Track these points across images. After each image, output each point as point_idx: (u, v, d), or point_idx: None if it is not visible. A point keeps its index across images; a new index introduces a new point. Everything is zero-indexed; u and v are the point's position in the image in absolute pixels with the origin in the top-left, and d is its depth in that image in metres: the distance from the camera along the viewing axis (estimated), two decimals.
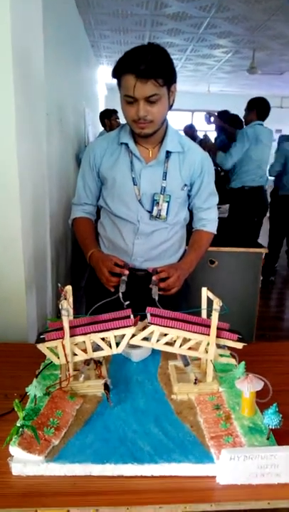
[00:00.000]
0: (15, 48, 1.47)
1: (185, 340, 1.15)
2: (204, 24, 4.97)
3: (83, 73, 5.39)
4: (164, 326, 1.12)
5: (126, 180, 1.55)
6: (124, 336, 1.13)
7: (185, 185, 1.59)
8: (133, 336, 1.15)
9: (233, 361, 1.21)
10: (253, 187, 4.04)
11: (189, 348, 1.16)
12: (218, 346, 1.18)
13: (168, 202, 1.56)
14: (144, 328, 1.16)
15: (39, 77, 1.93)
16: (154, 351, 1.36)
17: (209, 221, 1.70)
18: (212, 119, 4.45)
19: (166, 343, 1.16)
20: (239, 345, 1.16)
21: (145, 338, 1.16)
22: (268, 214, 4.51)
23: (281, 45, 5.89)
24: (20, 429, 0.94)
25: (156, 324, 1.12)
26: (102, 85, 8.54)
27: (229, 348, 1.19)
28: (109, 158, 1.58)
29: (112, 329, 1.12)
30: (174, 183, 1.56)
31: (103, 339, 1.13)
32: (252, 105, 3.97)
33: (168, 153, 1.55)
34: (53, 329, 1.14)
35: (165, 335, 1.14)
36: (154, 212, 1.56)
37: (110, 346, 1.14)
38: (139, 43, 1.40)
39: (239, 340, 1.17)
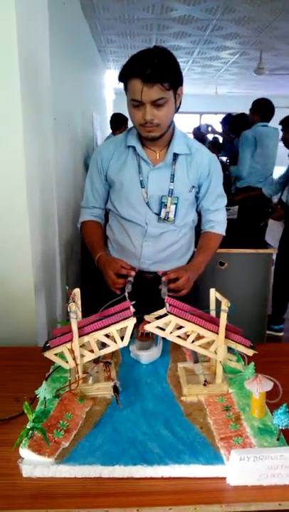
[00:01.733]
0: (21, 53, 1.49)
1: (198, 338, 1.15)
2: (210, 26, 4.98)
3: (91, 78, 5.42)
4: (181, 318, 1.12)
5: (134, 183, 1.56)
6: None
7: (193, 187, 1.59)
8: (147, 322, 1.15)
9: (240, 367, 1.20)
10: (258, 188, 4.02)
11: (200, 346, 1.15)
12: (229, 349, 1.17)
13: (176, 204, 1.56)
14: (158, 318, 1.16)
15: (45, 82, 1.95)
16: (163, 354, 1.36)
17: (218, 223, 1.70)
18: (209, 128, 4.49)
19: (179, 337, 1.16)
20: (250, 353, 1.16)
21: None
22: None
23: (288, 45, 5.87)
24: (30, 432, 0.95)
25: (175, 315, 1.12)
26: (109, 90, 8.59)
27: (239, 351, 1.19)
28: (116, 162, 1.58)
29: (113, 324, 1.12)
30: (181, 185, 1.56)
31: (108, 336, 1.13)
32: (254, 107, 3.94)
33: (175, 156, 1.55)
34: (57, 336, 1.15)
35: (179, 328, 1.14)
36: (162, 215, 1.56)
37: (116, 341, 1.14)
38: (145, 47, 1.41)
39: (250, 347, 1.17)
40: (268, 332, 3.32)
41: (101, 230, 1.72)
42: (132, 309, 1.14)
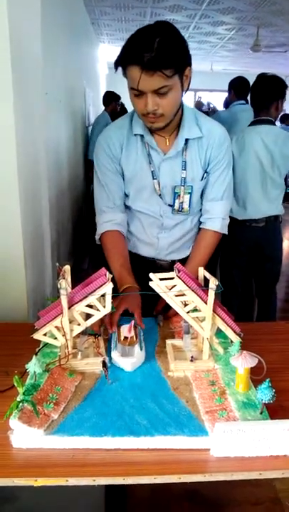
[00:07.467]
0: (11, 23, 1.45)
1: (194, 311, 1.17)
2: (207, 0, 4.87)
3: (83, 52, 5.31)
4: (187, 287, 1.13)
5: (145, 174, 1.46)
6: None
7: (205, 172, 1.49)
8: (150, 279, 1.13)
9: (221, 351, 1.21)
10: None
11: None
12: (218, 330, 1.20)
13: (190, 193, 1.48)
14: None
15: (37, 55, 1.91)
16: (151, 331, 1.38)
17: (213, 216, 1.55)
18: (211, 105, 4.44)
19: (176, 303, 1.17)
20: (235, 339, 1.17)
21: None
22: None
23: (285, 22, 5.78)
24: (20, 404, 0.97)
25: (183, 281, 1.13)
26: (103, 64, 8.42)
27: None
28: (127, 150, 1.46)
29: (91, 293, 1.13)
30: (194, 173, 1.47)
31: (91, 307, 1.15)
32: (229, 86, 3.81)
33: (186, 141, 1.43)
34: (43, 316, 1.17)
35: (178, 296, 1.15)
36: (176, 206, 1.49)
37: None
38: (140, 20, 1.35)
39: (238, 334, 1.19)
40: None
41: (125, 246, 1.55)
42: (109, 275, 1.13)
